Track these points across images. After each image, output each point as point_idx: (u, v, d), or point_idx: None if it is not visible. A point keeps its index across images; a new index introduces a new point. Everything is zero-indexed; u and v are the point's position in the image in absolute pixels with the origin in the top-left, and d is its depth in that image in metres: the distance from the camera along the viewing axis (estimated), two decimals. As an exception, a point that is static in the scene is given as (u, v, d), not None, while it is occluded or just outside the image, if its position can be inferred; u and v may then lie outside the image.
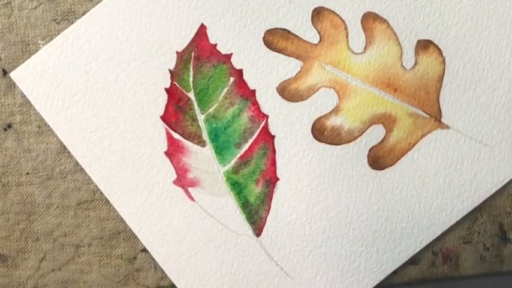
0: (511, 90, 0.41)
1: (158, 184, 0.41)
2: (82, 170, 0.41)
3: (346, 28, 0.41)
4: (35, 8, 0.41)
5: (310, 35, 0.41)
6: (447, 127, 0.41)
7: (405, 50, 0.41)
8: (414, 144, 0.41)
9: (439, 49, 0.41)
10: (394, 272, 0.42)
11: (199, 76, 0.41)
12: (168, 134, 0.41)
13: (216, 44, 0.41)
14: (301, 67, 0.41)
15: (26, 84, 0.41)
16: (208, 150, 0.41)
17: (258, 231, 0.41)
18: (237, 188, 0.41)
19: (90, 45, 0.41)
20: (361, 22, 0.41)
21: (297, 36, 0.41)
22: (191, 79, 0.41)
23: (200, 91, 0.41)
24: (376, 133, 0.41)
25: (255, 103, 0.41)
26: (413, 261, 0.42)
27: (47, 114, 0.41)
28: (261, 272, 0.41)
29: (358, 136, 0.41)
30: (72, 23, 0.41)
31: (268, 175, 0.41)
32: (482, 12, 0.41)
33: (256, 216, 0.41)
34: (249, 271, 0.41)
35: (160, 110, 0.41)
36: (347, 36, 0.41)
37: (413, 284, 0.43)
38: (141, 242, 0.42)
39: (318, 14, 0.41)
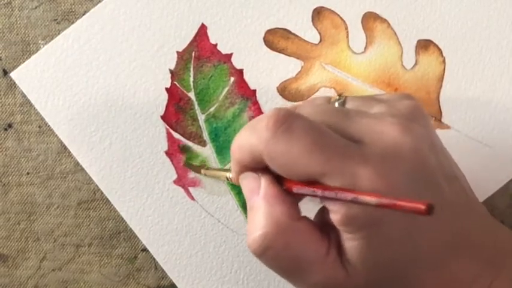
0: (511, 90, 0.41)
1: (158, 184, 0.41)
2: (82, 169, 0.41)
3: (346, 28, 0.41)
4: (36, 8, 0.41)
5: (311, 35, 0.41)
6: (447, 127, 0.41)
7: (405, 50, 0.41)
8: (414, 144, 0.41)
9: (439, 49, 0.41)
10: (394, 272, 0.42)
11: (199, 76, 0.41)
12: (168, 133, 0.41)
13: (216, 44, 0.41)
14: (302, 67, 0.41)
15: (26, 84, 0.41)
16: (209, 150, 0.41)
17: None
18: (238, 187, 0.41)
19: (90, 45, 0.41)
20: (362, 22, 0.41)
21: (297, 36, 0.41)
22: (191, 79, 0.41)
23: (200, 91, 0.41)
24: (376, 133, 0.41)
25: (256, 103, 0.41)
26: (413, 260, 0.42)
27: (48, 114, 0.41)
28: (261, 271, 0.41)
29: (359, 136, 0.41)
30: (72, 23, 0.41)
31: (268, 175, 0.41)
32: (482, 12, 0.41)
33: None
34: (249, 271, 0.41)
35: (161, 110, 0.41)
36: (347, 36, 0.41)
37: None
38: (141, 242, 0.42)
39: (318, 14, 0.41)
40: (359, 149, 0.29)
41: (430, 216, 0.24)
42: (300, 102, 0.40)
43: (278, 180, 0.31)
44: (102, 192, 0.41)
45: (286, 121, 0.29)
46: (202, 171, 0.40)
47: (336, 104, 0.34)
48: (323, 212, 0.31)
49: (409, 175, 0.29)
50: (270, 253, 0.30)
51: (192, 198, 0.41)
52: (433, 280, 0.30)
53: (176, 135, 0.41)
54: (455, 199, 0.31)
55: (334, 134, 0.29)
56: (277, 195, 0.30)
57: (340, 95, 0.35)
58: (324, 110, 0.32)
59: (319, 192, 0.28)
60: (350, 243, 0.29)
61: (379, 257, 0.29)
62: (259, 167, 0.31)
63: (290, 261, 0.30)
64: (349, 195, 0.27)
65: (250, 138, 0.30)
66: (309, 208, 0.32)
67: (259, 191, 0.31)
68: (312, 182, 0.29)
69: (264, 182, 0.31)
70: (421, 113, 0.33)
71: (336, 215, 0.29)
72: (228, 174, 0.36)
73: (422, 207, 0.24)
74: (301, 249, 0.30)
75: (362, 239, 0.29)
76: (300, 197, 0.32)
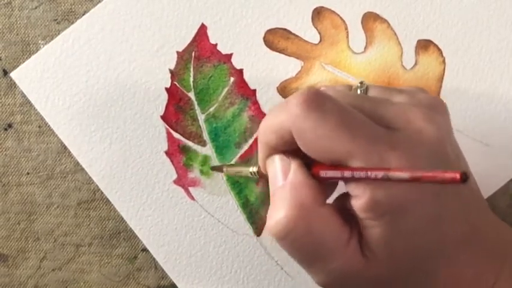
0: (511, 90, 0.41)
1: (158, 184, 0.41)
2: (82, 169, 0.41)
3: (346, 28, 0.41)
4: (36, 8, 0.41)
5: (311, 35, 0.41)
6: (447, 127, 0.41)
7: (405, 50, 0.41)
8: (414, 144, 0.41)
9: (439, 49, 0.41)
10: (394, 272, 0.42)
11: (199, 76, 0.41)
12: (168, 133, 0.41)
13: (216, 44, 0.41)
14: (302, 67, 0.41)
15: (26, 84, 0.41)
16: (209, 150, 0.41)
17: (258, 230, 0.41)
18: (237, 187, 0.41)
19: (90, 45, 0.41)
20: (362, 22, 0.41)
21: (297, 36, 0.41)
22: (191, 79, 0.41)
23: (200, 91, 0.41)
24: (376, 133, 0.41)
25: (256, 103, 0.41)
26: (413, 260, 0.42)
27: (48, 114, 0.41)
28: (261, 271, 0.41)
29: (358, 136, 0.41)
30: (72, 23, 0.41)
31: (268, 175, 0.41)
32: (482, 12, 0.41)
33: (256, 215, 0.41)
34: (249, 271, 0.41)
35: (161, 110, 0.41)
36: (347, 36, 0.41)
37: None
38: (141, 242, 0.42)
39: (318, 14, 0.41)
40: (388, 134, 0.29)
41: (465, 184, 0.24)
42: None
43: (306, 165, 0.31)
44: (102, 192, 0.41)
45: (317, 99, 0.29)
46: (224, 169, 0.40)
47: (358, 91, 0.35)
48: (342, 200, 0.31)
49: (432, 163, 0.29)
50: (292, 236, 0.29)
51: (192, 198, 0.41)
52: (446, 273, 0.30)
53: (176, 135, 0.41)
54: (468, 193, 0.31)
55: (364, 117, 0.29)
56: (304, 180, 0.30)
57: (361, 83, 0.35)
58: (350, 95, 0.32)
59: (347, 173, 0.28)
60: (371, 230, 0.29)
61: (399, 246, 0.29)
62: (288, 150, 0.31)
63: (311, 246, 0.30)
64: (380, 173, 0.27)
65: (278, 116, 0.30)
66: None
67: (286, 174, 0.31)
68: (338, 166, 0.29)
69: (293, 165, 0.31)
70: (441, 104, 0.33)
71: (359, 200, 0.29)
72: (251, 169, 0.36)
73: (457, 175, 0.24)
74: (323, 235, 0.30)
75: (384, 226, 0.29)
76: (326, 181, 0.31)
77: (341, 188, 0.32)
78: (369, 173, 0.28)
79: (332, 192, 0.33)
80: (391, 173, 0.27)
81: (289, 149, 0.31)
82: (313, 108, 0.29)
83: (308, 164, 0.31)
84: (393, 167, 0.28)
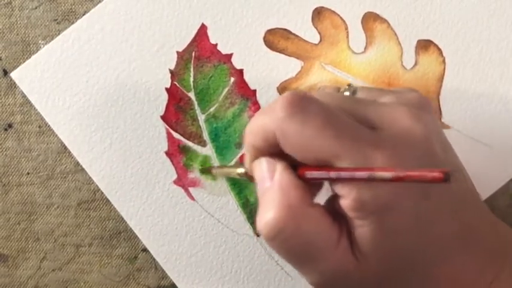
0: (511, 90, 0.41)
1: (159, 184, 0.41)
2: (83, 169, 0.41)
3: (346, 28, 0.41)
4: (36, 8, 0.41)
5: (311, 35, 0.41)
6: (447, 127, 0.41)
7: (405, 50, 0.41)
8: (414, 144, 0.41)
9: (439, 49, 0.41)
10: (394, 272, 0.42)
11: (199, 76, 0.41)
12: (168, 133, 0.41)
13: (216, 44, 0.41)
14: (302, 67, 0.41)
15: (26, 84, 0.41)
16: (209, 150, 0.41)
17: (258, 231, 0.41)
18: (238, 187, 0.41)
19: (90, 45, 0.41)
20: (362, 22, 0.41)
21: (297, 36, 0.41)
22: (192, 79, 0.41)
23: (201, 91, 0.41)
24: (376, 133, 0.41)
25: (256, 103, 0.41)
26: (413, 260, 0.42)
27: (48, 114, 0.41)
28: (261, 271, 0.41)
29: (359, 136, 0.41)
30: (72, 23, 0.41)
31: (268, 175, 0.41)
32: (482, 12, 0.41)
33: (256, 215, 0.41)
34: (249, 271, 0.41)
35: (161, 110, 0.41)
36: (347, 36, 0.41)
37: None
38: (141, 242, 0.42)
39: (318, 14, 0.41)
40: (373, 133, 0.29)
41: (448, 183, 0.24)
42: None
43: (292, 167, 0.31)
44: (102, 192, 0.41)
45: (301, 102, 0.29)
46: (213, 170, 0.40)
47: (347, 93, 0.35)
48: (332, 202, 0.31)
49: (419, 162, 0.29)
50: (281, 237, 0.29)
51: (192, 198, 0.41)
52: (441, 272, 0.30)
53: (176, 135, 0.41)
54: (461, 191, 0.31)
55: (348, 118, 0.30)
56: (291, 180, 0.30)
57: (349, 85, 0.35)
58: (336, 97, 0.32)
59: (333, 173, 0.28)
60: (360, 230, 0.29)
61: (388, 245, 0.29)
62: (274, 152, 0.31)
63: (301, 246, 0.30)
64: (365, 173, 0.27)
65: (263, 119, 0.30)
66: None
67: (273, 176, 0.31)
68: (325, 166, 0.29)
69: (279, 166, 0.31)
70: (428, 103, 0.33)
71: (346, 200, 0.29)
72: (239, 170, 0.36)
73: (439, 175, 0.24)
74: (313, 235, 0.29)
75: (372, 225, 0.29)
76: (313, 182, 0.31)
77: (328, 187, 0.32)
78: (355, 173, 0.27)
79: (318, 192, 0.33)
80: (376, 173, 0.27)
81: (275, 151, 0.31)
82: (297, 111, 0.29)
83: (294, 166, 0.31)
84: (377, 167, 0.27)
